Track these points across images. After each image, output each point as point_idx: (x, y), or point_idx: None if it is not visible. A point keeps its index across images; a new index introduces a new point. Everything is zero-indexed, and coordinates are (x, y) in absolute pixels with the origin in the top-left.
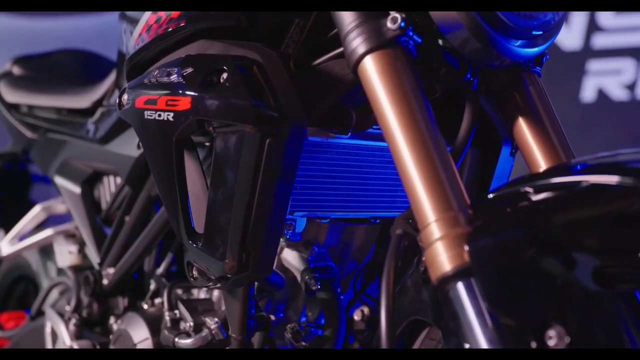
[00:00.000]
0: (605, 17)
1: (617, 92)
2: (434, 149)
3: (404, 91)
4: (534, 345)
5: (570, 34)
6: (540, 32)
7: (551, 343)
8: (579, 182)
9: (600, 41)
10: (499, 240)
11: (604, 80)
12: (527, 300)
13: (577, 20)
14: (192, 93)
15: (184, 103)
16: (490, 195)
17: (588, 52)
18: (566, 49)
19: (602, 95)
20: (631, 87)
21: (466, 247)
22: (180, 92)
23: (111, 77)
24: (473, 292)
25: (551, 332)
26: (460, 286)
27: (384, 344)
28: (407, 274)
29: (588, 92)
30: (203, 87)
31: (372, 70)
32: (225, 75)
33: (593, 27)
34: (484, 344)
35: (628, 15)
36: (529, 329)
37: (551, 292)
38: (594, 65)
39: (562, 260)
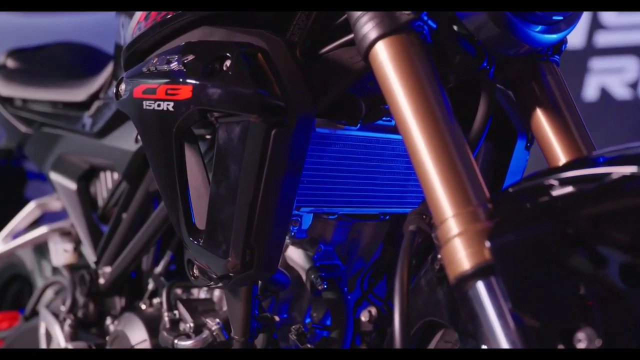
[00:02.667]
0: (608, 15)
1: (620, 91)
2: (451, 140)
3: (418, 79)
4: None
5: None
6: (561, 18)
7: (581, 346)
8: (607, 174)
9: (603, 39)
10: (524, 236)
11: (607, 78)
12: (554, 300)
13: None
14: (194, 81)
15: (184, 92)
16: (510, 190)
17: (591, 50)
18: (568, 47)
19: (604, 93)
20: (634, 85)
21: (487, 244)
22: (181, 80)
23: (108, 70)
24: (494, 291)
25: (580, 335)
26: (481, 285)
27: (397, 346)
28: (421, 272)
29: (591, 91)
30: (205, 75)
31: (384, 56)
32: (228, 62)
33: (596, 25)
34: (506, 346)
35: (631, 13)
36: (556, 331)
37: (581, 291)
38: (596, 63)
39: (593, 257)
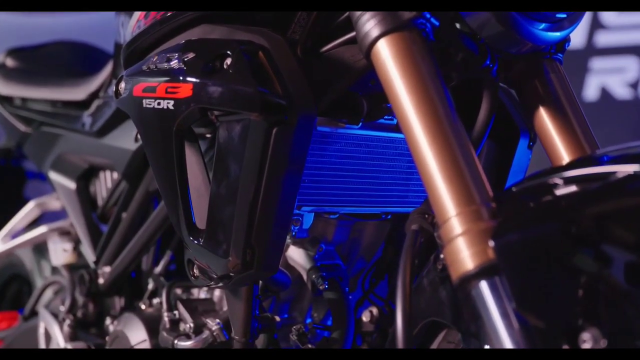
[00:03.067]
0: (608, 15)
1: (620, 91)
2: (454, 138)
3: (421, 76)
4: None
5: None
6: (565, 16)
7: (586, 347)
8: (611, 173)
9: (603, 39)
10: (528, 235)
11: (607, 78)
12: (559, 300)
13: None
14: (194, 79)
15: (185, 90)
16: (514, 189)
17: (591, 50)
18: (569, 47)
19: (605, 93)
20: (634, 85)
21: (491, 243)
22: (181, 78)
23: (108, 69)
24: (498, 291)
25: (585, 335)
26: (484, 285)
27: (400, 346)
28: (423, 272)
29: (591, 91)
30: (205, 73)
31: (386, 54)
32: (229, 60)
33: (596, 25)
34: (509, 347)
35: (631, 13)
36: (560, 331)
37: (586, 291)
38: (596, 63)
39: (597, 256)
